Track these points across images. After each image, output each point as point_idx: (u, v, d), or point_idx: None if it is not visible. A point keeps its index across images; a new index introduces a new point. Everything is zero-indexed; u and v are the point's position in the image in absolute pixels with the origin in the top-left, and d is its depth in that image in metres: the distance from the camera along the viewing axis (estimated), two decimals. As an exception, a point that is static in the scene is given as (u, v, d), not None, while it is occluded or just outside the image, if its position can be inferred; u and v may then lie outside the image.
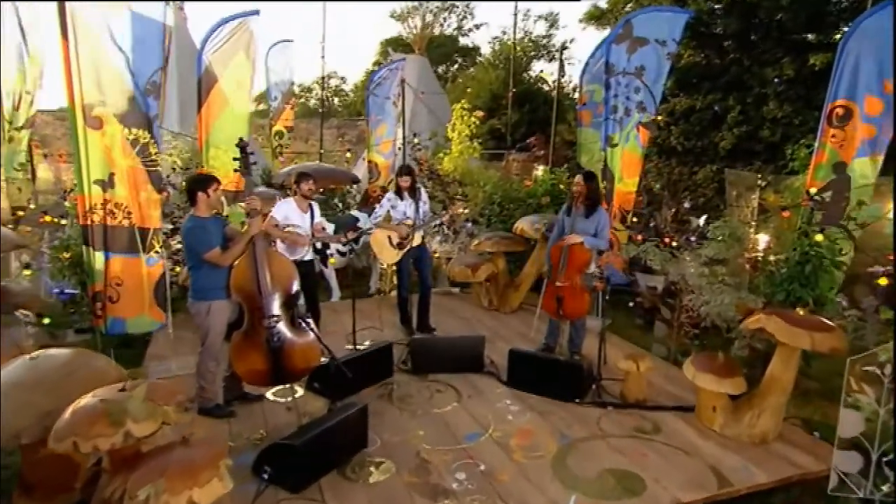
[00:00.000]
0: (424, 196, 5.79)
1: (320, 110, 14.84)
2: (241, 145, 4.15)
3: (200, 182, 3.96)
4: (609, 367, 4.87)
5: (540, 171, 8.09)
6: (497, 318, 6.54)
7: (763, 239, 5.70)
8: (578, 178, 5.19)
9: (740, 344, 5.01)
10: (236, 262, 3.99)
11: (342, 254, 7.56)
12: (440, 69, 25.34)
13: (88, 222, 4.50)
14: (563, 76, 7.83)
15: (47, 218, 5.77)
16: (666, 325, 5.79)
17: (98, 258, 4.59)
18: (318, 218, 5.22)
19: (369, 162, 10.14)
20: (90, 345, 5.17)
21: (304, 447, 3.30)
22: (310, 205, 5.18)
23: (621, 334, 6.28)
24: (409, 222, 5.60)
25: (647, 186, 11.67)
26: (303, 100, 34.80)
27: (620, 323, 6.59)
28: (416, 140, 8.87)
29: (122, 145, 4.61)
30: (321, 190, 10.29)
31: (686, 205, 6.92)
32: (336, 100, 32.55)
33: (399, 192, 5.65)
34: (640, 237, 6.79)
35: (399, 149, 8.88)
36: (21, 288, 5.03)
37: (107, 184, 4.52)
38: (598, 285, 6.31)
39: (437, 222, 6.30)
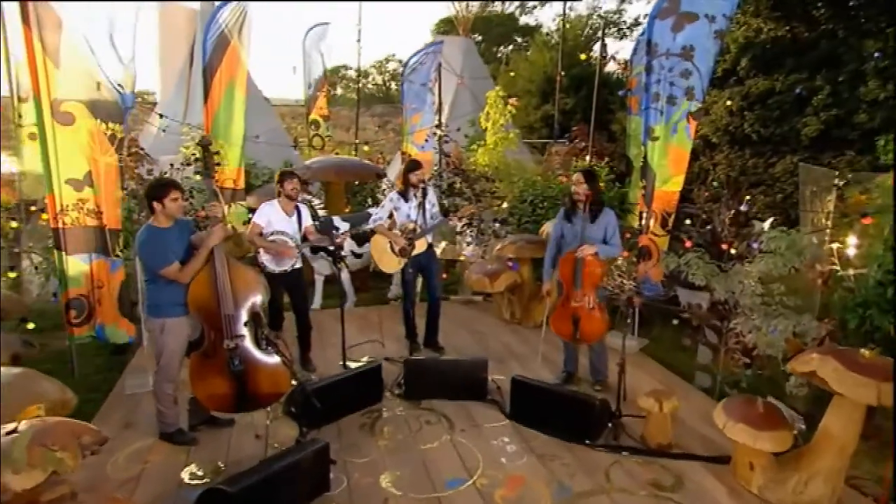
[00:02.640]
0: (433, 197, 5.37)
1: (356, 97, 14.61)
2: (204, 144, 3.88)
3: (156, 189, 3.69)
4: (633, 401, 4.30)
5: (579, 164, 7.45)
6: (517, 334, 6.04)
7: (850, 243, 4.93)
8: (579, 176, 4.64)
9: (798, 380, 4.30)
10: (196, 275, 3.73)
11: (357, 255, 7.27)
12: (499, 50, 24.68)
13: (60, 224, 4.39)
14: (605, 56, 7.15)
15: (43, 216, 5.78)
16: (711, 351, 5.12)
17: (73, 263, 4.48)
18: (306, 221, 4.92)
19: (403, 153, 9.82)
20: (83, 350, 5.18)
21: (240, 495, 2.99)
22: (296, 207, 4.89)
23: (662, 358, 5.64)
24: (413, 226, 5.20)
25: (714, 180, 10.74)
26: (360, 84, 34.98)
27: (664, 344, 5.94)
28: (438, 132, 8.41)
29: (100, 141, 4.47)
30: (358, 182, 10.08)
31: (743, 207, 6.10)
32: (394, 84, 32.49)
33: (405, 193, 5.25)
34: (689, 243, 6.08)
35: (426, 140, 8.47)
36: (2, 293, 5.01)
37: (82, 183, 4.39)
38: (634, 300, 5.75)
39: (449, 225, 5.84)
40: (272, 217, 4.77)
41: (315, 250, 6.83)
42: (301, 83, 12.25)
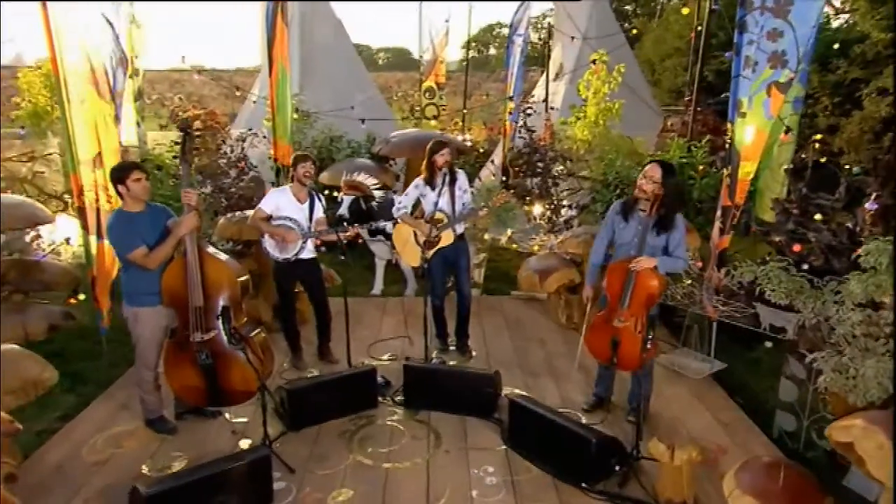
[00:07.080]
0: (463, 182, 5.10)
1: (464, 63, 14.35)
2: (183, 127, 4.01)
3: (117, 172, 3.84)
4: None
5: (673, 144, 6.58)
6: (568, 343, 5.54)
7: None
8: (652, 168, 4.01)
9: None
10: (170, 265, 3.91)
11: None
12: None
13: (83, 204, 4.83)
14: (714, 9, 6.04)
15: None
16: (797, 388, 4.31)
17: (93, 242, 4.93)
18: (318, 213, 4.88)
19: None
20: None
21: (154, 498, 3.10)
22: (310, 193, 4.88)
23: (745, 386, 4.89)
24: (442, 216, 4.98)
25: (883, 161, 8.95)
26: (471, 47, 34.26)
27: (753, 369, 5.14)
28: (510, 104, 7.93)
29: (110, 121, 4.83)
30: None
31: (868, 205, 4.97)
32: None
33: (431, 179, 5.03)
34: (798, 247, 5.14)
35: (509, 112, 8.06)
36: (51, 264, 5.67)
37: (94, 165, 4.78)
38: (711, 312, 5.05)
39: (480, 215, 5.53)
40: (281, 203, 4.80)
41: (373, 234, 6.92)
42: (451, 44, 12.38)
